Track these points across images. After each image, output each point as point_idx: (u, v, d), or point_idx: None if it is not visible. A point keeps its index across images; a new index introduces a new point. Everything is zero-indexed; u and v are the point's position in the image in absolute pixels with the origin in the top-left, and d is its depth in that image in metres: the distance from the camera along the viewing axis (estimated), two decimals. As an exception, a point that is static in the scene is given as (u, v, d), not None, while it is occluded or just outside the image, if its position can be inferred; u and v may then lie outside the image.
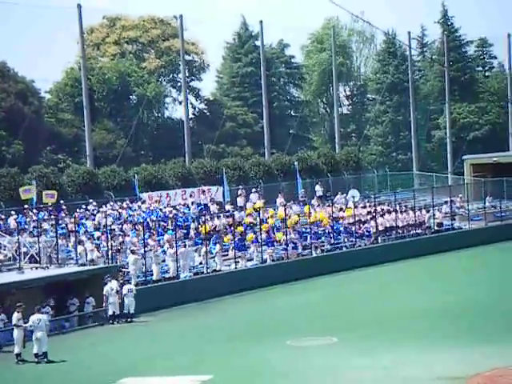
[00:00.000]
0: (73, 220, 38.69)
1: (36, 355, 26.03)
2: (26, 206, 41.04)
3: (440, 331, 27.08)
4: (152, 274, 36.79)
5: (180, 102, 69.96)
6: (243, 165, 56.05)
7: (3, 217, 39.85)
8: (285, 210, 45.44)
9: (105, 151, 61.36)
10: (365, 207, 50.00)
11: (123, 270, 35.83)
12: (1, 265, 34.52)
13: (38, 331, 26.02)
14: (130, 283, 33.76)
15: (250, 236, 42.46)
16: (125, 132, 62.60)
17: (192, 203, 47.07)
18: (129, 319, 32.52)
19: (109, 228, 37.23)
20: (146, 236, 37.53)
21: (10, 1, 55.03)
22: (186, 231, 41.28)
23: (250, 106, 73.48)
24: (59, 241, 35.60)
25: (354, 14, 52.84)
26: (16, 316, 26.63)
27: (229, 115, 70.57)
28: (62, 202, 43.18)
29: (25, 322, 26.45)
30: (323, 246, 45.27)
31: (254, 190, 51.10)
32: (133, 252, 36.11)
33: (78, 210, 42.66)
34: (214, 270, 39.10)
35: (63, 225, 38.96)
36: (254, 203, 48.52)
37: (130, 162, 58.52)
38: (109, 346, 28.63)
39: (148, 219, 41.94)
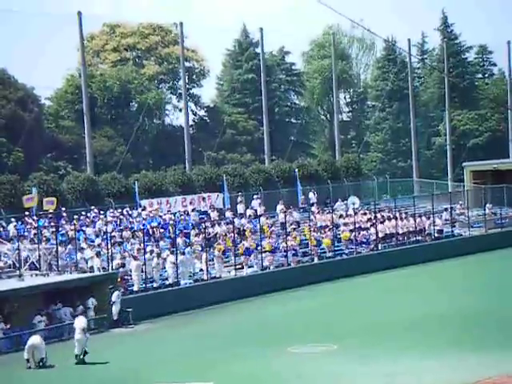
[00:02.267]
0: (73, 227, 38.68)
1: (77, 356, 26.43)
2: (26, 213, 41.05)
3: (440, 339, 27.06)
4: (152, 281, 36.78)
5: (180, 109, 70.05)
6: (243, 172, 56.06)
7: (4, 224, 39.83)
8: (285, 216, 45.51)
9: (105, 158, 61.39)
10: (365, 214, 49.99)
11: (125, 277, 35.85)
12: (1, 272, 34.50)
13: (77, 333, 26.66)
14: (118, 290, 33.48)
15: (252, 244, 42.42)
16: (125, 139, 62.61)
17: (193, 210, 47.09)
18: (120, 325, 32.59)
19: (109, 235, 37.21)
20: (146, 243, 37.56)
21: (11, 8, 55.19)
22: (186, 238, 41.29)
23: (251, 112, 73.55)
24: (59, 248, 35.59)
25: (353, 20, 52.62)
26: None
27: (229, 122, 70.62)
28: (63, 209, 43.24)
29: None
30: (324, 252, 45.26)
31: (255, 196, 51.11)
32: (135, 258, 36.13)
33: (76, 216, 42.60)
34: (215, 277, 39.10)
35: (63, 232, 38.94)
36: (256, 210, 48.66)
37: (130, 168, 58.52)
38: (108, 353, 28.55)
39: (148, 226, 41.94)
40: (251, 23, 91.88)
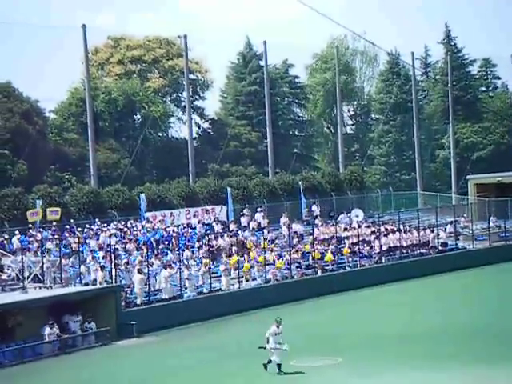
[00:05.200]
0: (77, 240, 38.68)
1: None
2: (30, 226, 41.08)
3: (444, 352, 26.95)
4: (155, 294, 36.73)
5: (184, 122, 70.18)
6: (247, 184, 56.08)
7: (7, 236, 39.86)
8: (288, 229, 45.46)
9: (109, 170, 61.49)
10: (369, 227, 49.95)
11: (126, 289, 35.81)
12: (4, 284, 34.51)
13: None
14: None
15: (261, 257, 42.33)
16: (129, 151, 62.78)
17: (199, 222, 47.11)
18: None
19: (113, 247, 37.19)
20: (149, 255, 37.53)
21: (15, 21, 55.41)
22: (190, 251, 41.27)
23: (254, 125, 73.68)
24: (63, 260, 35.59)
25: (356, 33, 52.83)
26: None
27: (233, 134, 70.73)
28: (72, 221, 43.34)
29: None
30: (327, 265, 45.18)
31: (259, 209, 51.12)
32: (139, 271, 36.07)
33: (79, 228, 42.66)
34: (218, 290, 39.04)
35: (67, 244, 38.95)
36: (259, 222, 48.63)
37: (134, 181, 58.61)
38: (112, 366, 28.50)
39: (152, 239, 41.93)
40: (255, 36, 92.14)
